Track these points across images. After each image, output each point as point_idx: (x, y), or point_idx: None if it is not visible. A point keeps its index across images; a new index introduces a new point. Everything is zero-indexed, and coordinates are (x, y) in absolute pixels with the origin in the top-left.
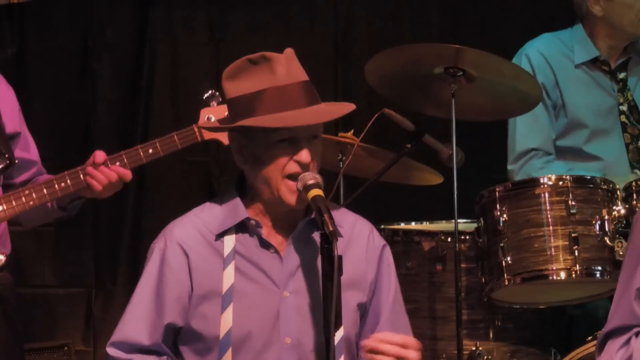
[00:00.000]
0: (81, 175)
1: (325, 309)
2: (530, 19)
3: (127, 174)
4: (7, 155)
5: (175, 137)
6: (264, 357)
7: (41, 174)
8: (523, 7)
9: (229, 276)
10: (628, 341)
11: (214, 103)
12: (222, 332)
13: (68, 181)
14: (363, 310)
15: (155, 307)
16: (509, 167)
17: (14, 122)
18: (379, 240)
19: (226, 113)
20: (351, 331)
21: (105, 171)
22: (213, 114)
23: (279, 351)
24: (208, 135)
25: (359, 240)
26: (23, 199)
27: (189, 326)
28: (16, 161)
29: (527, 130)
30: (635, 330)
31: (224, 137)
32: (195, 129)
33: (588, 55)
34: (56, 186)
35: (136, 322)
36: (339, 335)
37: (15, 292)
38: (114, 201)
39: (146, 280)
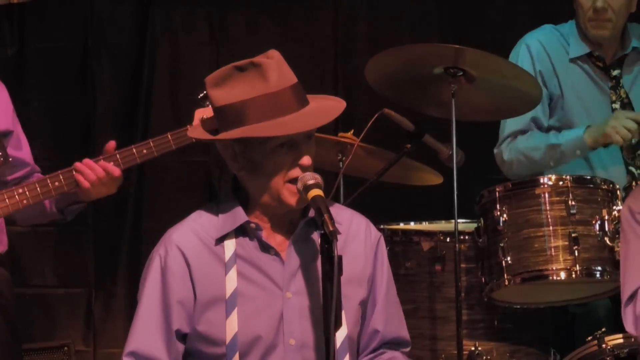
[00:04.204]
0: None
1: (325, 309)
2: (530, 19)
3: (115, 170)
4: (0, 153)
5: (170, 137)
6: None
7: (34, 174)
8: (523, 7)
9: (231, 280)
10: None
11: (209, 103)
12: (229, 337)
13: (62, 179)
14: (364, 307)
15: (164, 316)
16: (495, 150)
17: (7, 120)
18: (374, 234)
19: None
20: (353, 330)
21: (91, 165)
22: (207, 114)
23: (284, 353)
24: None
25: (357, 237)
26: (17, 197)
27: (194, 332)
28: (10, 159)
29: (516, 118)
30: None
31: None
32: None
33: (581, 51)
34: (50, 185)
35: (150, 334)
36: (342, 334)
37: (12, 289)
38: (114, 201)
39: (151, 289)
